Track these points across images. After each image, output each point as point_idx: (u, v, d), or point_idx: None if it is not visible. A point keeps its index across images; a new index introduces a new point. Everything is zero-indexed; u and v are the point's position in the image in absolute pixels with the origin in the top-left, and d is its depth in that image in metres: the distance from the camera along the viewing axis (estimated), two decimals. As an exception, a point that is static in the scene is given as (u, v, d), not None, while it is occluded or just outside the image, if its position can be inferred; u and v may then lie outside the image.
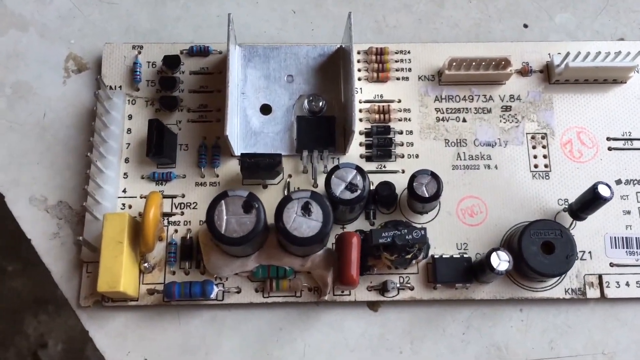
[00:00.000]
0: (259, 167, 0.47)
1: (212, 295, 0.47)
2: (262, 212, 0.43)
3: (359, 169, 0.45)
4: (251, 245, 0.44)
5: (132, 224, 0.46)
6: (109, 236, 0.45)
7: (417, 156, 0.51)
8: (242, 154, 0.47)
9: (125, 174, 0.51)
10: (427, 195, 0.46)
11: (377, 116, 0.51)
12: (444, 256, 0.48)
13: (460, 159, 0.51)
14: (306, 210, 0.43)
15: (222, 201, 0.43)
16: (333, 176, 0.45)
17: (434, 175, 0.46)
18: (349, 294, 0.48)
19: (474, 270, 0.47)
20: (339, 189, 0.45)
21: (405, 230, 0.44)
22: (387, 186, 0.48)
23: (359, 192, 0.45)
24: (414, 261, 0.48)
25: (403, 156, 0.51)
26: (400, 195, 0.50)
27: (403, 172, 0.51)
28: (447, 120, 0.52)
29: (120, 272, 0.44)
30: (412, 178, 0.46)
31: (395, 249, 0.44)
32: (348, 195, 0.45)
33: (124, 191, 0.50)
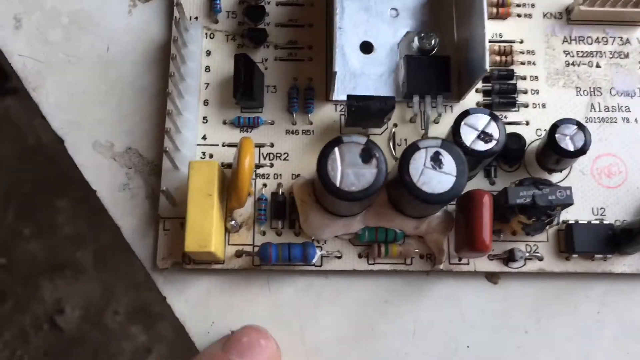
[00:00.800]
0: (369, 112, 0.40)
1: (314, 261, 0.40)
2: (383, 162, 0.36)
3: (493, 116, 0.38)
4: (361, 202, 0.37)
5: (221, 175, 0.40)
6: (196, 188, 0.38)
7: (543, 106, 0.44)
8: (348, 96, 0.40)
9: (204, 118, 0.44)
10: (572, 149, 0.39)
11: (497, 58, 0.44)
12: (579, 222, 0.41)
13: (595, 111, 0.44)
14: (436, 161, 0.36)
15: (336, 148, 0.36)
16: (463, 123, 0.38)
17: (580, 126, 0.39)
18: (467, 263, 0.41)
19: (617, 239, 0.40)
20: (470, 138, 0.38)
21: (548, 190, 0.38)
22: (516, 139, 0.41)
23: (494, 142, 0.38)
24: (547, 227, 0.41)
25: (527, 105, 0.44)
26: (525, 150, 0.43)
27: (527, 123, 0.44)
28: (578, 65, 0.45)
29: (211, 229, 0.37)
30: (554, 128, 0.39)
31: (535, 211, 0.38)
32: (481, 146, 0.38)
33: (204, 138, 0.43)
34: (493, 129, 0.38)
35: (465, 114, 0.38)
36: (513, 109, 0.44)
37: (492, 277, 0.42)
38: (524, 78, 0.44)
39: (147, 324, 0.88)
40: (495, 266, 0.41)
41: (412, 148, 0.36)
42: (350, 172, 0.36)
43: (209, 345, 0.40)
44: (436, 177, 0.35)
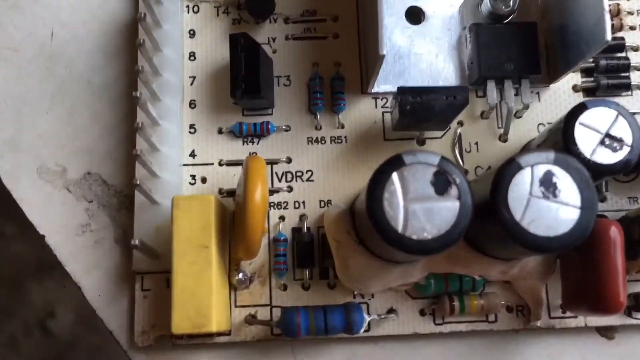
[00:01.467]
0: (431, 110, 0.28)
1: (362, 330, 0.28)
2: (467, 191, 0.23)
3: (621, 110, 0.26)
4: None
5: (220, 213, 0.27)
6: (184, 237, 0.26)
7: (665, 86, 0.32)
8: (400, 89, 0.28)
9: (191, 126, 0.31)
10: None
11: (601, 22, 0.32)
12: None
13: None
14: (549, 186, 0.23)
15: (395, 174, 0.24)
16: (578, 123, 0.26)
17: None
18: (575, 317, 0.30)
19: None
20: (589, 146, 0.26)
21: (701, 215, 0.26)
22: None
23: (626, 150, 0.25)
24: (690, 262, 0.29)
25: (644, 87, 0.32)
26: (647, 151, 0.30)
27: (646, 112, 0.31)
28: None
29: (210, 299, 0.25)
30: None
31: (684, 246, 0.26)
32: (608, 157, 0.25)
33: (192, 155, 0.31)
34: (623, 130, 0.25)
35: (580, 108, 0.26)
36: (626, 93, 0.31)
37: (606, 331, 0.30)
38: (636, 49, 0.32)
39: None
40: (613, 319, 0.29)
41: (510, 168, 0.23)
42: (418, 209, 0.23)
43: None
44: (551, 211, 0.23)
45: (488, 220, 0.24)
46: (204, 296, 0.25)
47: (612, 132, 0.26)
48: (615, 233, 0.25)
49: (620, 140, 0.25)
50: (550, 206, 0.23)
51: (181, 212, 0.26)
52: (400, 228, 0.23)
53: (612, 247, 0.25)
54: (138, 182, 0.26)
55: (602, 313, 0.25)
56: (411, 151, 0.24)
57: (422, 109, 0.27)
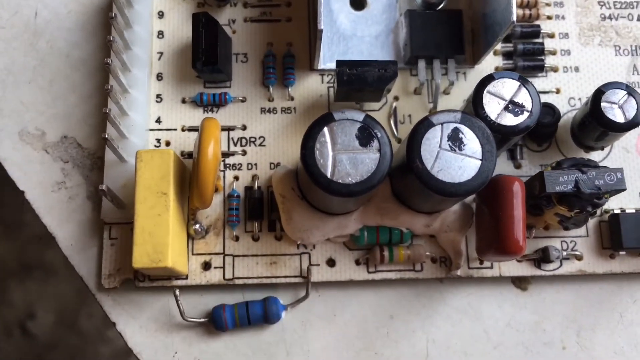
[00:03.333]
0: (365, 81, 0.32)
1: (281, 319, 0.32)
2: (387, 143, 0.27)
3: (524, 81, 0.30)
4: (355, 200, 0.29)
5: (178, 166, 0.31)
6: (146, 185, 0.29)
7: (576, 69, 0.36)
8: (338, 61, 0.32)
9: (158, 95, 0.35)
10: (622, 120, 0.31)
11: (519, 12, 0.36)
12: (626, 212, 0.33)
13: (638, 73, 0.36)
14: (456, 140, 0.27)
15: (326, 128, 0.28)
16: (486, 91, 0.30)
17: (630, 91, 0.31)
18: (491, 267, 0.33)
19: (675, 230, 0.33)
20: (495, 110, 0.30)
21: (594, 173, 0.30)
22: (548, 110, 0.33)
23: (526, 115, 0.30)
24: (590, 219, 0.33)
25: (557, 70, 0.36)
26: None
27: (558, 91, 0.35)
28: (616, 19, 0.37)
29: (166, 238, 0.29)
30: (599, 95, 0.31)
31: (578, 200, 0.30)
32: (510, 120, 0.30)
33: (158, 121, 0.35)
34: (524, 98, 0.30)
35: (488, 79, 0.30)
36: (540, 74, 0.35)
37: (520, 282, 0.34)
38: (551, 36, 0.36)
39: None
40: (525, 269, 0.33)
41: (424, 125, 0.28)
42: (344, 158, 0.27)
43: None
44: (456, 161, 0.27)
45: (407, 175, 0.29)
46: (161, 236, 0.29)
47: (515, 99, 0.30)
48: (517, 187, 0.30)
49: (521, 106, 0.30)
50: (456, 157, 0.27)
51: (143, 163, 0.30)
52: (329, 173, 0.27)
53: (514, 198, 0.29)
54: (107, 137, 0.30)
55: (506, 255, 0.29)
56: (340, 110, 0.28)
57: (357, 80, 0.31)
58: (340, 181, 0.27)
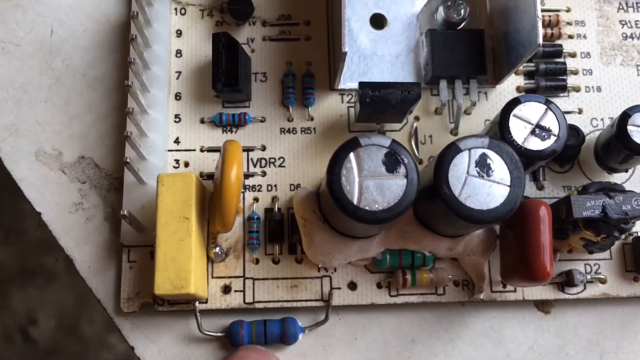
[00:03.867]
0: (388, 103, 0.31)
1: (298, 341, 0.32)
2: (414, 169, 0.27)
3: (549, 103, 0.30)
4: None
5: (199, 190, 0.31)
6: (168, 210, 0.29)
7: (598, 89, 0.35)
8: (361, 83, 0.31)
9: (176, 116, 0.34)
10: (650, 144, 0.31)
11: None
12: (651, 234, 0.33)
13: (661, 93, 0.36)
14: (484, 167, 0.27)
15: (352, 154, 0.27)
16: (512, 115, 0.30)
17: (657, 114, 0.31)
18: (514, 291, 0.33)
19: (700, 254, 0.32)
20: (521, 134, 0.29)
21: (621, 198, 0.29)
22: (574, 132, 0.33)
23: (553, 139, 0.29)
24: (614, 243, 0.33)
25: (579, 89, 0.35)
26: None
27: (580, 112, 0.35)
28: (638, 38, 0.36)
29: (189, 264, 0.29)
30: (625, 118, 0.31)
31: (605, 225, 0.29)
32: (537, 145, 0.29)
33: (176, 141, 0.34)
34: (551, 121, 0.29)
35: (514, 102, 0.30)
36: (562, 94, 0.35)
37: (543, 305, 0.34)
38: (573, 55, 0.36)
39: None
40: (548, 293, 0.33)
41: (451, 150, 0.27)
42: (371, 184, 0.27)
43: None
44: (484, 188, 0.27)
45: (433, 200, 0.28)
46: (184, 262, 0.29)
47: (542, 123, 0.29)
48: (544, 212, 0.29)
49: (548, 130, 0.29)
50: (484, 184, 0.27)
51: (165, 188, 0.29)
52: (355, 200, 0.27)
53: (541, 223, 0.29)
54: (128, 160, 0.29)
55: (533, 281, 0.29)
56: (367, 134, 0.28)
57: (380, 102, 0.31)
58: (367, 208, 0.26)
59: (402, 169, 0.27)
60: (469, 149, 0.27)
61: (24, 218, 0.79)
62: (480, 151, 0.27)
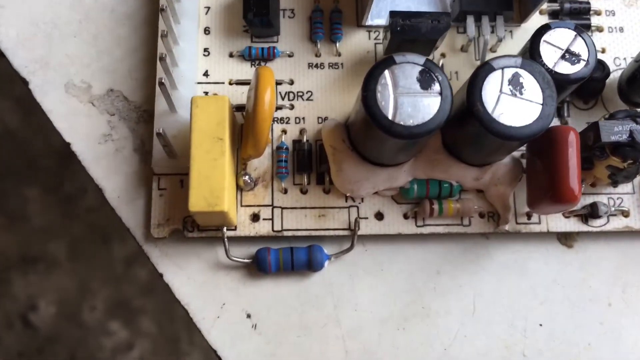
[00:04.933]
0: (418, 32, 0.32)
1: (324, 268, 0.32)
2: (448, 87, 0.27)
3: (580, 30, 0.30)
4: (415, 144, 0.29)
5: (232, 115, 0.31)
6: (202, 130, 0.29)
7: (621, 30, 0.36)
8: (392, 12, 0.32)
9: (205, 49, 0.35)
10: (675, 74, 0.31)
11: (565, -29, 0.36)
12: (673, 168, 0.34)
13: (682, 35, 0.36)
14: (517, 85, 0.28)
15: (387, 71, 0.28)
16: (543, 40, 0.30)
17: (683, 45, 0.31)
18: (538, 222, 0.34)
19: None
20: (552, 59, 0.30)
21: (649, 123, 0.30)
22: (599, 66, 0.33)
23: (582, 63, 0.30)
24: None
25: (602, 30, 0.36)
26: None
27: (603, 51, 0.36)
28: (661, -19, 0.37)
29: (223, 182, 0.29)
30: (651, 48, 0.31)
31: (632, 150, 0.30)
32: (567, 69, 0.30)
33: (206, 74, 0.35)
34: (580, 47, 0.30)
35: (545, 28, 0.30)
36: (587, 34, 0.36)
37: (566, 238, 0.34)
38: (597, -4, 0.36)
39: (127, 318, 0.80)
40: (571, 225, 0.34)
41: (485, 69, 0.28)
42: (406, 100, 0.27)
43: None
44: (517, 105, 0.27)
45: (465, 121, 0.29)
46: (217, 180, 0.29)
47: (572, 49, 0.30)
48: (572, 137, 0.30)
49: (578, 55, 0.30)
50: (517, 102, 0.27)
51: (199, 110, 0.30)
52: (390, 115, 0.27)
53: (569, 148, 0.29)
54: (163, 81, 0.30)
55: (561, 204, 0.29)
56: (402, 53, 0.28)
57: (410, 30, 0.32)
58: (402, 123, 0.27)
59: (436, 86, 0.27)
60: (502, 68, 0.28)
61: (27, 204, 0.79)
62: (513, 70, 0.28)
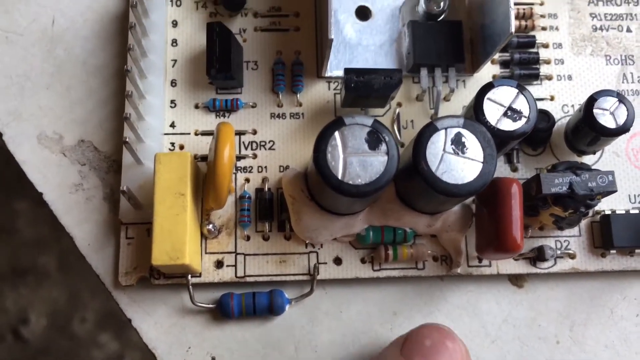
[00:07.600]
0: (371, 88, 0.33)
1: (286, 312, 0.34)
2: (394, 147, 0.29)
3: (522, 88, 0.32)
4: (367, 198, 0.31)
5: (195, 169, 0.33)
6: (164, 186, 0.31)
7: (569, 77, 0.38)
8: (346, 69, 0.33)
9: (172, 101, 0.36)
10: (613, 126, 0.33)
11: (516, 23, 0.38)
12: (616, 212, 0.35)
13: (627, 82, 0.38)
14: (459, 144, 0.29)
15: (337, 132, 0.29)
16: (486, 98, 0.32)
17: (621, 99, 0.33)
18: (489, 265, 0.35)
19: (663, 230, 0.35)
20: (495, 116, 0.32)
21: (587, 175, 0.32)
22: (543, 117, 0.35)
23: (523, 120, 0.32)
24: (583, 219, 0.35)
25: (551, 78, 0.38)
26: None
27: (552, 99, 0.37)
28: (607, 30, 0.39)
29: (184, 237, 0.30)
30: (591, 102, 0.33)
31: (572, 201, 0.32)
32: (509, 126, 0.31)
33: (172, 125, 0.36)
34: (522, 104, 0.32)
35: (488, 87, 0.32)
36: (536, 82, 0.37)
37: (517, 280, 0.36)
38: (546, 46, 0.38)
39: (117, 330, 0.81)
40: (521, 267, 0.35)
41: (429, 129, 0.29)
42: (354, 160, 0.29)
43: (383, 350, 0.32)
44: (459, 164, 0.29)
45: (412, 177, 0.30)
46: (179, 234, 0.30)
47: (514, 106, 0.32)
48: (515, 188, 0.31)
49: (519, 112, 0.32)
50: (459, 160, 0.29)
51: (162, 166, 0.31)
52: (340, 175, 0.29)
53: (512, 199, 0.31)
54: (127, 140, 0.31)
55: (505, 253, 0.31)
56: (351, 114, 0.30)
57: (364, 86, 0.33)
58: (350, 182, 0.29)
59: (383, 147, 0.29)
60: (446, 128, 0.29)
61: (17, 218, 0.80)
62: (455, 130, 0.29)
